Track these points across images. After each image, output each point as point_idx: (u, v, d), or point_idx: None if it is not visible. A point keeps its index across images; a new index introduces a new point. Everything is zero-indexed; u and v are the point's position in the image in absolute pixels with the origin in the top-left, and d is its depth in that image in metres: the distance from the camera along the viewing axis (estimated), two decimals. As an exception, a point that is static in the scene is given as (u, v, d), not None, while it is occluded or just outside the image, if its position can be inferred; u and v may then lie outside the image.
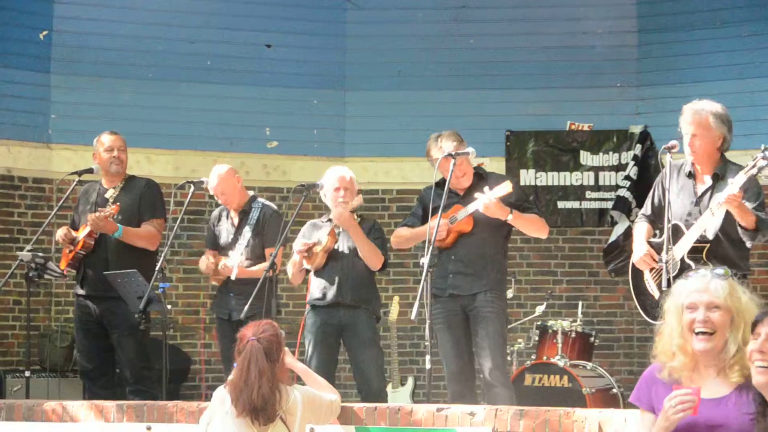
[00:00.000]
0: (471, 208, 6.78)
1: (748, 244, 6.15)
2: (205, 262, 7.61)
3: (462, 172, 6.91)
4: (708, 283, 3.94)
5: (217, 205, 7.85)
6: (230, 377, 5.20)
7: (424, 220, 6.95)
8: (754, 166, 5.91)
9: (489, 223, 6.81)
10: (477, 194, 6.75)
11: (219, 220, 7.75)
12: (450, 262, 6.93)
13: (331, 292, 7.16)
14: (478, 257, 6.88)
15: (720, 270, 4.01)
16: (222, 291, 7.63)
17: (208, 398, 5.59)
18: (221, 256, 7.57)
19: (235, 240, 7.56)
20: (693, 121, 6.26)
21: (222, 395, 5.21)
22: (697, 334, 3.90)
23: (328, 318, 7.17)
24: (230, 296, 7.49)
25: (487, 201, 6.66)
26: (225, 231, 7.67)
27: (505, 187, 6.68)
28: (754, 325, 3.67)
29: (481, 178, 7.00)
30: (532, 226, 7.00)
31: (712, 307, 3.90)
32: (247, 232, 7.52)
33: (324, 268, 7.22)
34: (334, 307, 7.16)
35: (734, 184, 5.90)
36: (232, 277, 7.33)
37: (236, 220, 7.62)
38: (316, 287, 7.23)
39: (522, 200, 6.97)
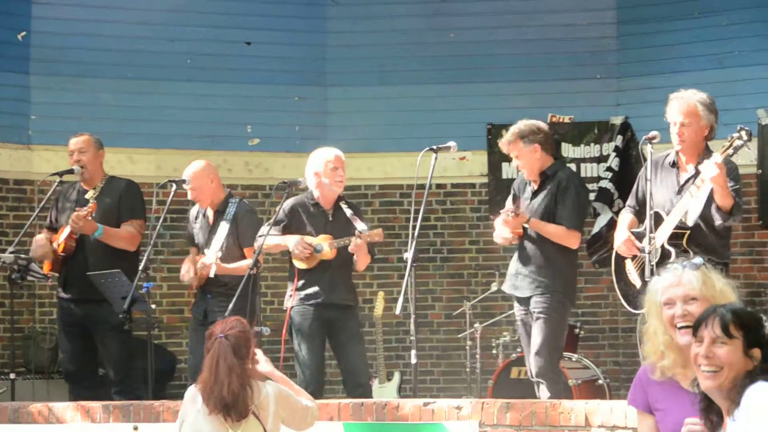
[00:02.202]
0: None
1: (718, 223, 6.14)
2: (186, 267, 7.55)
3: (522, 165, 7.00)
4: (681, 276, 3.84)
5: (195, 204, 7.80)
6: (200, 375, 5.20)
7: None
8: (731, 146, 5.94)
9: None
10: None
11: (196, 218, 7.68)
12: (516, 260, 7.07)
13: (324, 292, 7.15)
14: (532, 257, 6.94)
15: (697, 260, 3.92)
16: (200, 293, 7.56)
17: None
18: (201, 255, 7.51)
19: (210, 239, 7.46)
20: (682, 110, 6.27)
21: (193, 394, 5.18)
22: (680, 328, 3.80)
23: (318, 314, 7.17)
24: (207, 297, 7.44)
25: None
26: (200, 230, 7.59)
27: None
28: (696, 329, 3.53)
29: (547, 177, 6.99)
30: (552, 235, 6.91)
31: (689, 299, 3.80)
32: (222, 230, 7.41)
33: (315, 268, 7.19)
34: (325, 306, 7.16)
35: (713, 158, 5.94)
36: (211, 275, 7.25)
37: (211, 219, 7.55)
38: (307, 285, 7.20)
39: (552, 208, 6.91)
